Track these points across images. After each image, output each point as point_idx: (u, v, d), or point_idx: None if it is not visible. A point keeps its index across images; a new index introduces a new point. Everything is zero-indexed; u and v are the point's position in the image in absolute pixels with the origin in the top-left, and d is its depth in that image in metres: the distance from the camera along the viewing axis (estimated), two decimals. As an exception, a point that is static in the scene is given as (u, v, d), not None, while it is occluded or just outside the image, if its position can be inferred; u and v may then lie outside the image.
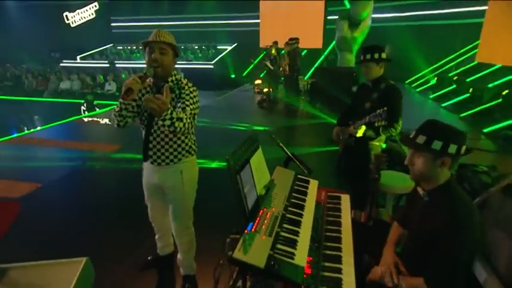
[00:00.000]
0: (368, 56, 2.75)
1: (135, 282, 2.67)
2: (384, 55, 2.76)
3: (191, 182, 2.37)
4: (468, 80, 8.14)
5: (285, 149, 2.56)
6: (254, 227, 1.58)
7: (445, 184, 1.58)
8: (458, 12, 10.17)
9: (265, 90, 10.00)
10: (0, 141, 6.34)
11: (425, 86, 9.89)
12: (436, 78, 9.88)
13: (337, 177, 3.82)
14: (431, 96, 8.70)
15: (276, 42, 10.28)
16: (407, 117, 2.93)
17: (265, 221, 1.64)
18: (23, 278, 1.41)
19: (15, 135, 6.97)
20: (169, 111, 1.83)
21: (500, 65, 7.60)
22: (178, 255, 2.61)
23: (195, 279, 2.61)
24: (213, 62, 14.83)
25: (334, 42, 11.89)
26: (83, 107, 9.31)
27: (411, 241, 1.78)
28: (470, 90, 7.33)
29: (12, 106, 10.38)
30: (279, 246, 1.51)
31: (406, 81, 10.87)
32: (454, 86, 8.30)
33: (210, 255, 2.63)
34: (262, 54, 13.32)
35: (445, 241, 1.47)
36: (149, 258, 2.85)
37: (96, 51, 16.71)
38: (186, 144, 2.27)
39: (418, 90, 10.14)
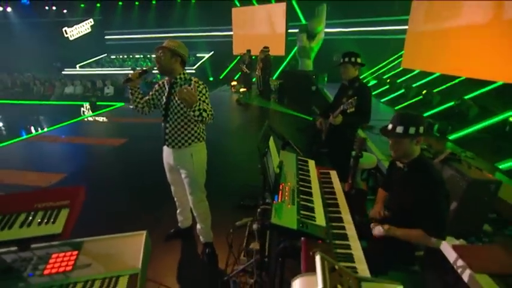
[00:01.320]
0: (346, 59, 2.81)
1: (164, 250, 2.64)
2: (359, 60, 2.82)
3: (200, 163, 2.37)
4: (398, 81, 8.58)
5: (284, 136, 2.60)
6: (279, 198, 1.62)
7: (418, 157, 1.72)
8: (388, 29, 10.67)
9: (242, 90, 9.93)
10: (20, 139, 5.85)
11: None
12: (374, 79, 10.33)
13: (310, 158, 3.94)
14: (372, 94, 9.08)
15: (249, 50, 10.19)
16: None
17: (286, 193, 1.68)
18: (97, 249, 1.35)
19: (32, 134, 6.43)
20: (198, 104, 1.90)
21: (419, 70, 8.11)
22: (198, 226, 2.60)
23: (213, 245, 2.62)
24: (194, 67, 14.58)
25: (294, 50, 12.03)
26: (82, 109, 8.77)
27: (394, 202, 1.90)
28: (402, 89, 7.75)
29: (24, 109, 9.54)
30: (302, 212, 1.56)
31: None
32: (388, 86, 8.73)
33: (222, 226, 2.66)
34: (236, 60, 13.20)
35: (431, 197, 1.58)
36: (172, 231, 2.82)
37: (92, 61, 15.84)
38: (195, 132, 2.28)
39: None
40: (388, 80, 9.02)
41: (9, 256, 1.27)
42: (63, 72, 14.42)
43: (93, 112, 8.23)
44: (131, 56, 15.70)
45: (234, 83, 11.14)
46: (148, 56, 15.53)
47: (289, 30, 12.68)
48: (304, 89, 8.85)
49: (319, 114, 5.18)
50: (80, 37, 15.84)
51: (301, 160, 2.26)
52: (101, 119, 7.68)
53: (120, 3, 15.44)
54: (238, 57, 11.35)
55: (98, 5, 15.61)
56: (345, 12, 11.10)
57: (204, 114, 1.95)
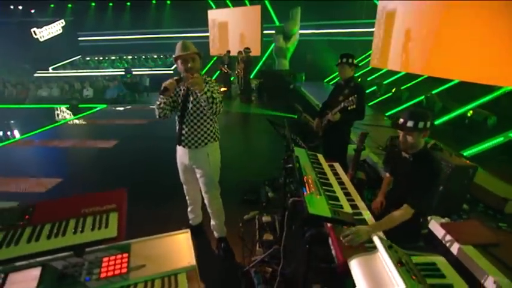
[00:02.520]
0: (344, 60, 2.88)
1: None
2: (355, 61, 2.94)
3: (215, 162, 2.37)
4: (368, 79, 9.01)
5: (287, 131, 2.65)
6: (307, 190, 1.66)
7: (423, 148, 1.84)
8: (356, 31, 11.08)
9: (222, 89, 9.84)
10: (5, 144, 5.37)
11: (339, 84, 10.62)
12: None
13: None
14: (344, 91, 9.40)
15: (229, 51, 10.10)
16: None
17: (311, 185, 1.73)
18: (146, 250, 1.31)
19: (16, 138, 5.89)
20: (206, 87, 1.99)
21: (386, 69, 8.55)
22: (212, 222, 2.59)
23: (227, 240, 2.62)
24: (172, 68, 14.14)
25: (269, 50, 12.16)
26: (58, 112, 8.17)
27: (398, 188, 2.03)
28: (375, 86, 8.14)
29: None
30: (330, 201, 1.63)
31: (325, 80, 11.52)
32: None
33: (230, 221, 2.66)
34: (213, 60, 13.04)
35: (431, 182, 1.73)
36: (183, 228, 2.76)
37: (66, 62, 14.70)
38: (211, 131, 2.27)
39: (334, 87, 10.74)
40: (360, 79, 9.42)
41: (59, 263, 1.21)
42: (35, 75, 13.22)
43: (75, 115, 7.71)
44: (107, 58, 14.85)
45: (213, 83, 10.97)
46: (124, 57, 14.78)
47: (264, 32, 12.74)
48: (283, 88, 9.02)
49: (302, 111, 5.25)
50: (50, 38, 14.59)
51: (311, 154, 2.33)
52: (86, 121, 7.26)
53: (93, 4, 14.53)
54: (215, 57, 11.19)
55: (70, 5, 14.54)
56: (318, 15, 11.38)
57: (215, 96, 2.02)
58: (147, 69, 13.53)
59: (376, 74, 9.10)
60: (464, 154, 4.26)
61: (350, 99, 2.66)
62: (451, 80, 5.80)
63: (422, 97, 6.14)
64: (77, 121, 7.34)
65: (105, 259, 1.24)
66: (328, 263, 2.05)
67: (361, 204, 1.89)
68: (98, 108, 8.29)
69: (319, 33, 11.79)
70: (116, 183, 3.82)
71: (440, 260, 1.09)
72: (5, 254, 1.04)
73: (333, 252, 1.57)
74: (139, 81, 10.78)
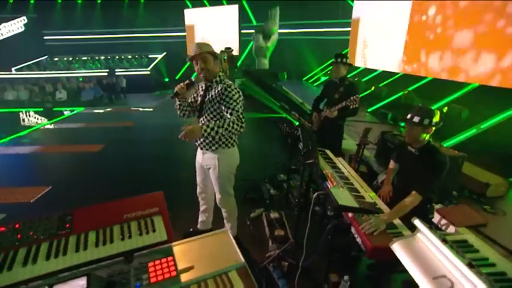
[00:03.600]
0: (339, 60, 3.00)
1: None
2: (349, 61, 3.07)
3: (226, 167, 2.27)
4: (348, 76, 9.33)
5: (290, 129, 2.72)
6: (330, 183, 1.74)
7: (428, 143, 1.98)
8: (334, 31, 11.36)
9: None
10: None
11: (318, 82, 10.89)
12: (324, 76, 11.01)
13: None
14: (324, 89, 9.67)
15: (210, 51, 9.99)
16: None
17: (332, 179, 1.81)
18: (189, 252, 1.29)
19: None
20: (204, 129, 1.84)
21: (363, 67, 8.93)
22: (224, 221, 2.57)
23: (238, 238, 2.58)
24: (149, 68, 13.67)
25: (248, 50, 12.20)
26: (22, 116, 7.52)
27: (403, 180, 2.15)
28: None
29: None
30: (352, 193, 1.72)
31: (304, 78, 11.75)
32: (338, 81, 9.43)
33: (238, 221, 2.65)
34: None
35: (435, 175, 1.85)
36: (190, 230, 2.71)
37: (32, 63, 13.47)
38: (223, 136, 2.22)
39: (314, 84, 10.96)
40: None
41: (103, 271, 1.17)
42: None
43: (50, 119, 7.18)
44: (77, 58, 13.95)
45: (194, 82, 10.80)
46: (97, 57, 14.01)
47: (242, 31, 12.73)
48: (266, 86, 9.11)
49: (290, 109, 5.35)
50: (11, 36, 13.38)
51: (320, 150, 2.41)
52: (66, 125, 6.79)
53: (59, 0, 13.58)
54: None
55: (32, 1, 13.45)
56: (296, 14, 11.56)
57: (221, 129, 1.88)
58: (123, 70, 12.97)
59: (354, 72, 9.45)
60: (445, 145, 4.60)
61: (352, 98, 2.78)
62: (425, 78, 6.21)
63: (401, 93, 6.51)
64: (56, 125, 6.85)
65: (151, 264, 1.22)
66: (342, 252, 2.15)
67: (373, 194, 2.00)
68: (75, 111, 7.82)
69: (297, 33, 11.99)
70: (110, 187, 3.64)
71: (470, 237, 1.21)
72: (56, 264, 0.99)
73: (359, 240, 1.65)
74: (116, 82, 10.31)
